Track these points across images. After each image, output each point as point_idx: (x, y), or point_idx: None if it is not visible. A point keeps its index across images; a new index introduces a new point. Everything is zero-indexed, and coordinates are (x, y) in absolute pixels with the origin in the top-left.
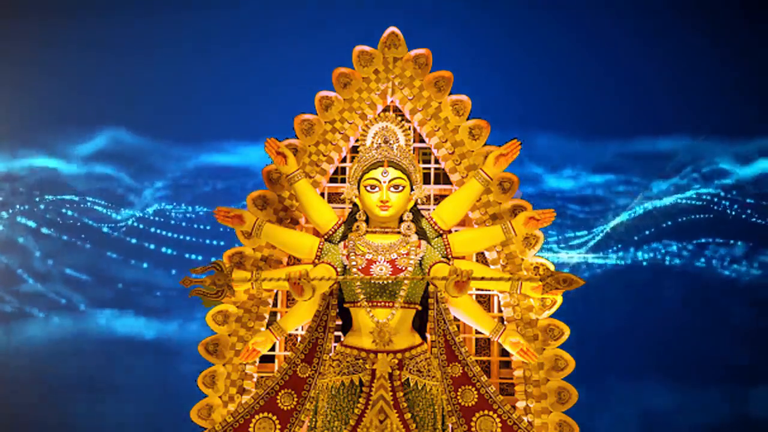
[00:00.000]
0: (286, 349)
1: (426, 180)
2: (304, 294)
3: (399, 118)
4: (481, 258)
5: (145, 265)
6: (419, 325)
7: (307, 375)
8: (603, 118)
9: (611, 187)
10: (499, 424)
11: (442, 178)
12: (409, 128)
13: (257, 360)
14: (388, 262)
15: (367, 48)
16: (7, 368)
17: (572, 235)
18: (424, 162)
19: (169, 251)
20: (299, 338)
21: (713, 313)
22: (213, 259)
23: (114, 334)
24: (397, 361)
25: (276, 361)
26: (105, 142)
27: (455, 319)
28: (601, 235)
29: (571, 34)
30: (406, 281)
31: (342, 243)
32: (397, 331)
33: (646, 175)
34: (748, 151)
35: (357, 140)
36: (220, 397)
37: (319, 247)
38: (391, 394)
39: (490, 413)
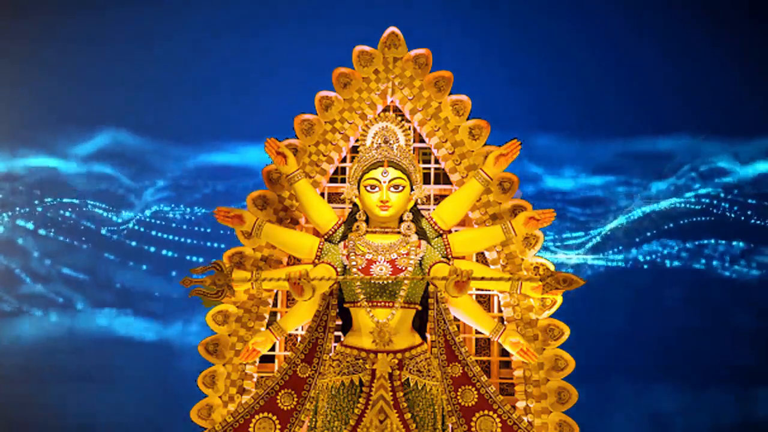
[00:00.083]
0: (286, 349)
1: (426, 180)
2: (304, 294)
3: (399, 118)
4: (481, 258)
5: (144, 267)
6: (419, 325)
7: (307, 375)
8: (603, 118)
9: (611, 188)
10: (499, 424)
11: (442, 178)
12: (409, 128)
13: (257, 360)
14: (388, 262)
15: (367, 48)
16: (2, 367)
17: (569, 236)
18: (424, 162)
19: (170, 253)
20: (299, 338)
21: (713, 314)
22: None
23: (114, 335)
24: (397, 361)
25: (276, 361)
26: (105, 141)
27: (455, 319)
28: (599, 236)
29: (571, 34)
30: (406, 281)
31: (342, 243)
32: (397, 331)
33: (646, 175)
34: (748, 151)
35: (357, 140)
36: (220, 397)
37: (319, 247)
38: (391, 394)
39: (490, 413)
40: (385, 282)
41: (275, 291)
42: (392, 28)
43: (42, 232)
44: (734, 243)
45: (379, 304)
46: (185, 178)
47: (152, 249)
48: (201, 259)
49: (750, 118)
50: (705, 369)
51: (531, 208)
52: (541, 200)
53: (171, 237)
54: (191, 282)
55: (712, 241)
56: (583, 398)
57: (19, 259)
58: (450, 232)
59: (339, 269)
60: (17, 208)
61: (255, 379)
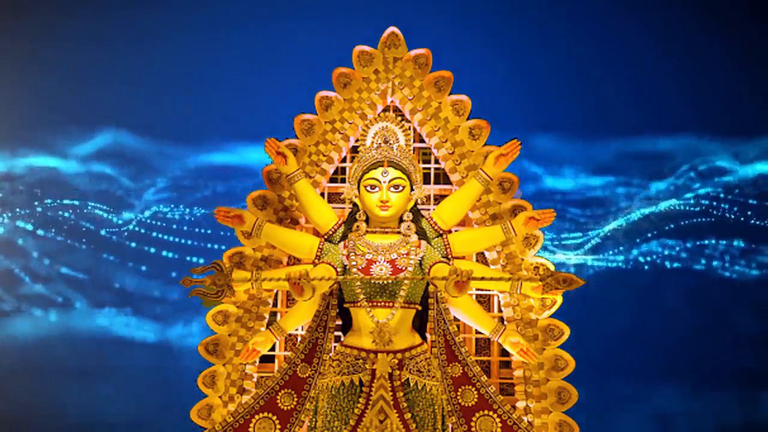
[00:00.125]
0: (286, 349)
1: (426, 180)
2: (304, 294)
3: (399, 118)
4: (481, 258)
5: (143, 268)
6: (419, 325)
7: (307, 375)
8: (603, 118)
9: (611, 188)
10: (499, 424)
11: (442, 178)
12: (409, 128)
13: (257, 360)
14: (388, 262)
15: (367, 48)
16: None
17: (568, 236)
18: (424, 162)
19: (170, 255)
20: (299, 338)
21: (713, 314)
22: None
23: (113, 335)
24: (397, 361)
25: (276, 361)
26: (105, 141)
27: (455, 319)
28: (599, 236)
29: (571, 34)
30: (406, 281)
31: (342, 243)
32: (397, 331)
33: (646, 175)
34: (748, 152)
35: (357, 140)
36: (220, 397)
37: (319, 247)
38: (391, 394)
39: (490, 413)
40: (385, 282)
41: (275, 291)
42: (392, 28)
43: (41, 232)
44: (735, 243)
45: (379, 304)
46: (185, 178)
47: (152, 250)
48: (201, 260)
49: (750, 118)
50: (706, 370)
51: (531, 208)
52: (540, 200)
53: (171, 238)
54: (191, 282)
55: (713, 241)
56: (583, 398)
57: (18, 258)
58: (450, 232)
59: (339, 269)
60: (17, 210)
61: (255, 379)
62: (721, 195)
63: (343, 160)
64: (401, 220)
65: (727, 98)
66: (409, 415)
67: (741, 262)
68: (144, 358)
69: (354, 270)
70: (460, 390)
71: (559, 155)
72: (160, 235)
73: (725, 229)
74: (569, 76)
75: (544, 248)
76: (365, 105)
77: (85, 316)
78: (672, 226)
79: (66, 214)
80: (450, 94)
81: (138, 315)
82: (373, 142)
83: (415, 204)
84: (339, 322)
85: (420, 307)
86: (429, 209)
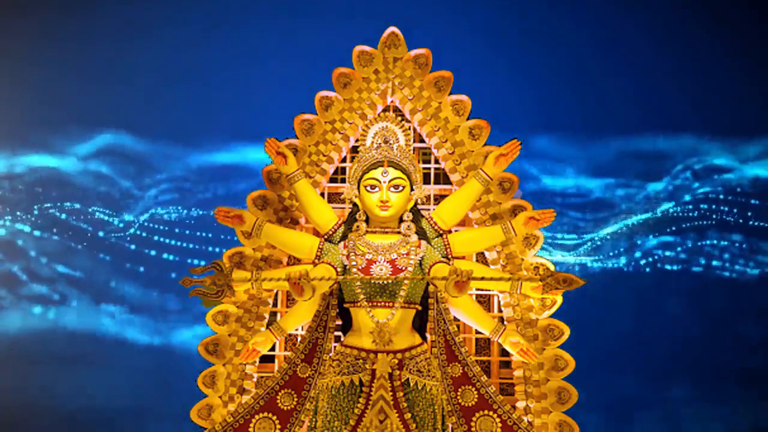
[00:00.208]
0: (286, 349)
1: (426, 180)
2: (304, 294)
3: (399, 118)
4: (481, 258)
5: (142, 269)
6: (419, 325)
7: (307, 375)
8: (603, 119)
9: (611, 189)
10: (499, 424)
11: (442, 178)
12: (409, 128)
13: (257, 360)
14: (388, 262)
15: (367, 48)
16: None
17: (568, 236)
18: (424, 162)
19: (172, 257)
20: (299, 338)
21: (713, 315)
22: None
23: (113, 335)
24: (397, 361)
25: (276, 361)
26: (105, 141)
27: (455, 319)
28: (599, 237)
29: (572, 34)
30: (406, 281)
31: (342, 243)
32: (397, 331)
33: (646, 175)
34: (748, 152)
35: (357, 140)
36: (220, 397)
37: (319, 247)
38: (391, 394)
39: (490, 413)
40: (385, 282)
41: (275, 291)
42: (392, 28)
43: (41, 232)
44: (735, 243)
45: (379, 304)
46: (185, 178)
47: (152, 252)
48: (202, 262)
49: (750, 118)
50: (706, 370)
51: (531, 208)
52: (540, 201)
53: (170, 240)
54: (191, 282)
55: (713, 241)
56: (583, 398)
57: (18, 258)
58: (450, 232)
59: (339, 269)
60: (18, 212)
61: (255, 379)
62: (721, 195)
63: (343, 160)
64: (401, 220)
65: (727, 98)
66: (409, 415)
67: (741, 262)
68: (143, 357)
69: (354, 270)
70: (460, 390)
71: (559, 155)
72: (159, 238)
73: (725, 229)
74: (569, 76)
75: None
76: (365, 105)
77: (84, 315)
78: (672, 225)
79: (66, 213)
80: (450, 94)
81: (137, 315)
82: (373, 142)
83: (415, 204)
84: (339, 322)
85: (420, 307)
86: (429, 209)
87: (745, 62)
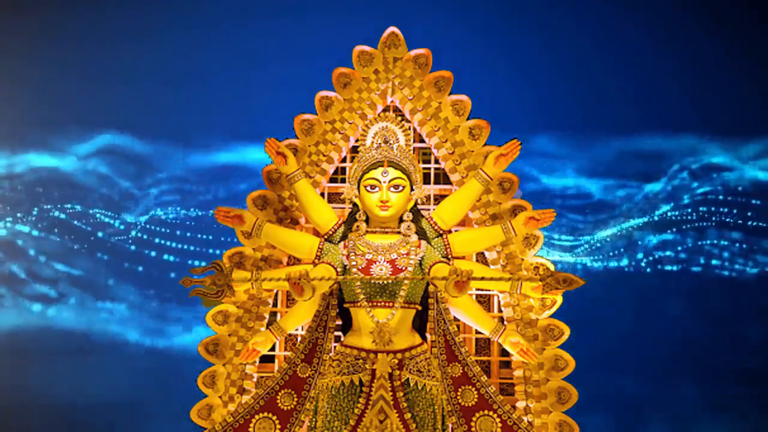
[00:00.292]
0: (286, 349)
1: (426, 180)
2: (304, 294)
3: (399, 118)
4: (481, 258)
5: (140, 269)
6: (419, 325)
7: (307, 375)
8: (603, 119)
9: (611, 189)
10: (499, 424)
11: (442, 178)
12: (409, 128)
13: (257, 360)
14: (388, 262)
15: (367, 48)
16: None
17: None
18: (424, 162)
19: (172, 258)
20: (299, 338)
21: (714, 314)
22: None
23: (113, 335)
24: (397, 361)
25: (276, 361)
26: (105, 141)
27: (455, 319)
28: (599, 237)
29: (572, 35)
30: (406, 281)
31: (342, 243)
32: (397, 331)
33: (646, 175)
34: (748, 152)
35: (357, 140)
36: (220, 397)
37: (319, 247)
38: (391, 394)
39: (490, 413)
40: (385, 282)
41: (275, 291)
42: (392, 28)
43: (40, 232)
44: (734, 243)
45: (379, 304)
46: (185, 178)
47: (152, 253)
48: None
49: (750, 118)
50: (706, 370)
51: (531, 208)
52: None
53: (170, 241)
54: (191, 282)
55: (714, 241)
56: (583, 399)
57: (18, 258)
58: (450, 232)
59: (339, 269)
60: (18, 213)
61: (255, 379)
62: (721, 195)
63: (343, 160)
64: (401, 220)
65: (727, 98)
66: (409, 415)
67: (741, 261)
68: (144, 357)
69: (354, 270)
70: (460, 390)
71: (559, 155)
72: (159, 240)
73: (725, 228)
74: (569, 75)
75: (548, 247)
76: (365, 105)
77: (84, 315)
78: (672, 226)
79: (66, 213)
80: (450, 94)
81: (137, 314)
82: (373, 142)
83: (415, 204)
84: (339, 322)
85: (420, 307)
86: (429, 209)
87: (745, 62)
